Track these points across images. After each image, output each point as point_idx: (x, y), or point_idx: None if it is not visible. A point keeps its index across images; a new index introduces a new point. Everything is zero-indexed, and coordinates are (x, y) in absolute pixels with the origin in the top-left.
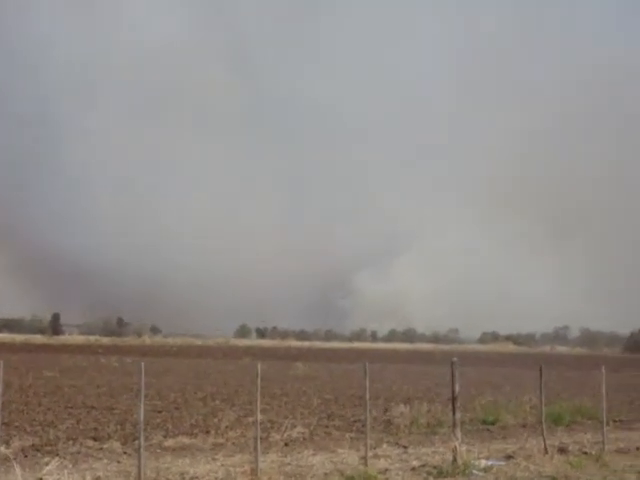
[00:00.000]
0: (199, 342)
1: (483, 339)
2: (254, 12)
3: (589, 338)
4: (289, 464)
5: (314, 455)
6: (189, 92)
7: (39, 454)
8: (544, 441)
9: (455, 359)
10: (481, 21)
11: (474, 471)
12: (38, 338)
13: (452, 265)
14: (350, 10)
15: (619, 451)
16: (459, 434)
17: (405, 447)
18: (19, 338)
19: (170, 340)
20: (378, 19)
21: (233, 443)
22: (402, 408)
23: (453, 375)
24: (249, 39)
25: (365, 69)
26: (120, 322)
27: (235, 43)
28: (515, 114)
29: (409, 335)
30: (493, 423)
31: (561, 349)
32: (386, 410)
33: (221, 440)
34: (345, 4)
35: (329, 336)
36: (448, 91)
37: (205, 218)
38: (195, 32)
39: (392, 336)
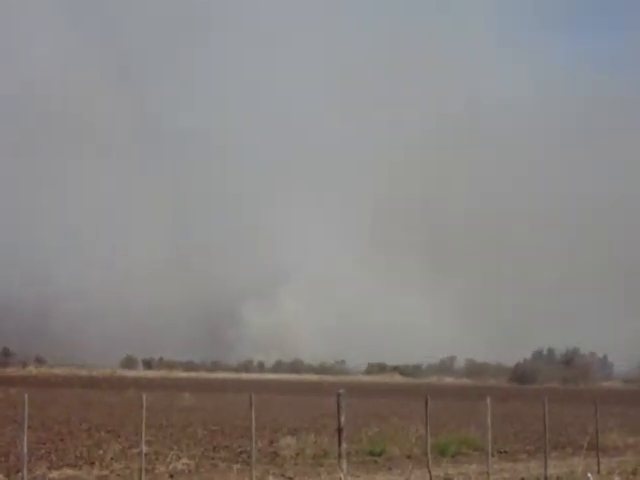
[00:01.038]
0: (84, 372)
1: (370, 370)
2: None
3: (475, 369)
4: None
5: None
6: (71, 116)
7: None
8: (429, 472)
9: (342, 390)
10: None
11: None
12: None
13: (337, 296)
14: (227, 41)
15: None
16: (345, 465)
17: (291, 478)
18: None
19: (56, 370)
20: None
21: (118, 475)
22: (288, 439)
23: (339, 406)
24: (131, 61)
25: (243, 97)
26: (5, 352)
27: (117, 67)
28: (397, 145)
29: (296, 366)
30: (379, 454)
31: (447, 380)
32: (272, 441)
33: (106, 472)
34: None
35: (216, 367)
36: (330, 118)
37: (91, 247)
38: (75, 56)
39: (279, 367)
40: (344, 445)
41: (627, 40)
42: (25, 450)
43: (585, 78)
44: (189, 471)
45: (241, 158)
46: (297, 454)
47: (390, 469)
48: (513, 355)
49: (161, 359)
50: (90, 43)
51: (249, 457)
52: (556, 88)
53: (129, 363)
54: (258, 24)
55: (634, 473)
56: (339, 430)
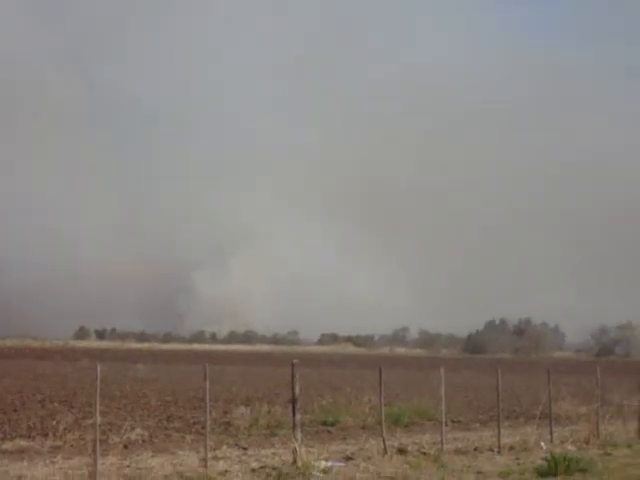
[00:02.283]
0: (36, 344)
1: (323, 340)
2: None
3: (428, 339)
4: (128, 467)
5: (153, 457)
6: (25, 96)
7: None
8: (384, 442)
9: (295, 361)
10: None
11: (314, 472)
12: None
13: (289, 267)
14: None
15: (457, 451)
16: (299, 435)
17: (245, 449)
18: None
19: (7, 342)
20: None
21: (72, 446)
22: (242, 410)
23: (293, 376)
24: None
25: (196, 74)
26: None
27: (70, 49)
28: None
29: (249, 337)
30: (333, 424)
31: (400, 350)
32: (226, 412)
33: (59, 443)
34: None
35: (169, 338)
36: (281, 98)
37: (43, 217)
38: (28, 36)
39: (232, 338)
40: (298, 415)
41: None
42: None
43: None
44: (143, 441)
45: (199, 131)
46: (251, 425)
47: (344, 439)
48: (466, 325)
49: (114, 330)
50: (39, 25)
51: (203, 427)
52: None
53: (82, 334)
54: (210, 8)
55: (586, 442)
56: (293, 400)
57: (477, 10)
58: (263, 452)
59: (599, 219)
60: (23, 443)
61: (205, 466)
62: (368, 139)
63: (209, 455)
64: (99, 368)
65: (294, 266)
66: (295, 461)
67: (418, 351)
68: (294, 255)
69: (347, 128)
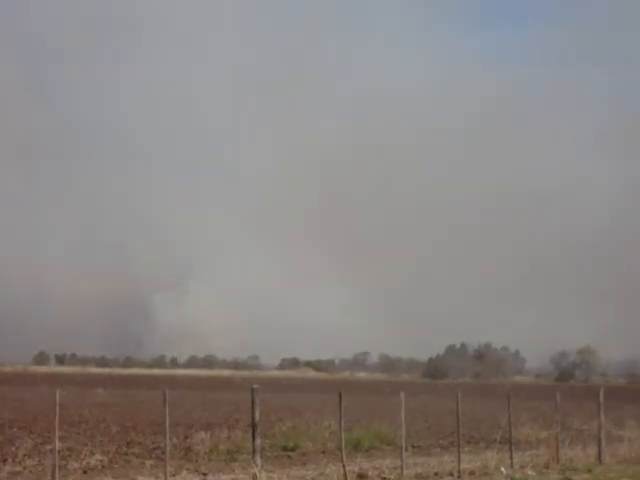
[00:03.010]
0: None
1: (283, 365)
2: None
3: (388, 364)
4: None
5: None
6: None
7: None
8: (344, 467)
9: (255, 386)
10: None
11: None
12: None
13: (248, 292)
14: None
15: (418, 476)
16: (259, 460)
17: (205, 474)
18: None
19: None
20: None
21: (30, 471)
22: (202, 435)
23: (253, 401)
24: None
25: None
26: None
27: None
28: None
29: (209, 361)
30: (293, 449)
31: (361, 375)
32: (186, 437)
33: (18, 468)
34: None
35: (129, 363)
36: (245, 117)
37: (4, 242)
38: None
39: (192, 362)
40: (258, 440)
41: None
42: None
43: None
44: (103, 467)
45: (160, 156)
46: (211, 450)
47: (304, 464)
48: (426, 350)
49: (74, 355)
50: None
51: (163, 453)
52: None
53: (41, 359)
54: (174, 25)
55: (546, 467)
56: (253, 425)
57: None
58: (223, 477)
59: (558, 244)
60: None
61: None
62: (324, 157)
63: None
64: (58, 393)
65: (253, 290)
66: None
67: (379, 375)
68: (253, 279)
69: (302, 147)
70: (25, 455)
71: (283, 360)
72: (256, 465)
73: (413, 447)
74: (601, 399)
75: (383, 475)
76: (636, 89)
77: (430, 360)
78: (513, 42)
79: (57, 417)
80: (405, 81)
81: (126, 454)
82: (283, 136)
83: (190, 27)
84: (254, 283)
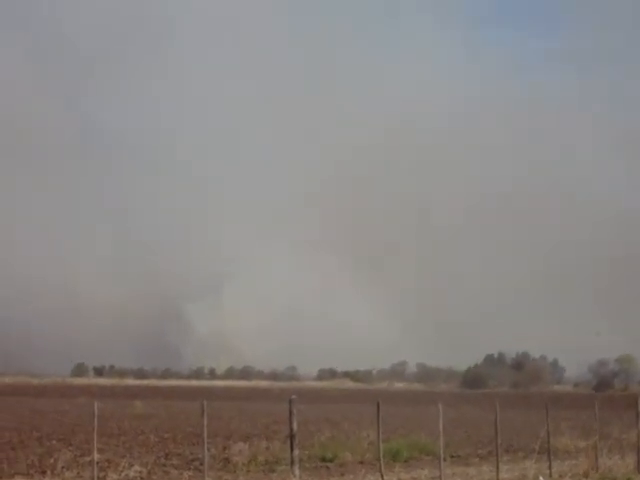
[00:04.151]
0: (35, 381)
1: (321, 376)
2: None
3: (426, 374)
4: None
5: None
6: (12, 126)
7: None
8: (382, 477)
9: (293, 396)
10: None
11: None
12: None
13: (285, 302)
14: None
15: None
16: (297, 471)
17: None
18: None
19: (5, 379)
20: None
21: None
22: (241, 446)
23: (291, 412)
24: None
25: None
26: None
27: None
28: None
29: (247, 372)
30: (331, 460)
31: (399, 385)
32: (224, 448)
33: None
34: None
35: (167, 374)
36: (266, 120)
37: (32, 254)
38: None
39: (230, 374)
40: (296, 451)
41: None
42: None
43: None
44: (141, 478)
45: (187, 162)
46: (249, 461)
47: (342, 475)
48: (464, 360)
49: (112, 367)
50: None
51: (201, 464)
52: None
53: (80, 371)
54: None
55: (586, 476)
56: (291, 436)
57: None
58: None
59: (596, 252)
60: None
61: None
62: (353, 170)
63: None
64: (96, 405)
65: (287, 300)
66: None
67: (416, 385)
68: (286, 289)
69: (330, 161)
70: (64, 467)
71: (320, 371)
72: (294, 476)
73: (451, 457)
74: (639, 407)
75: None
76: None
77: (468, 370)
78: (519, 42)
79: (95, 429)
80: (420, 86)
81: (164, 465)
82: (313, 145)
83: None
84: (288, 293)
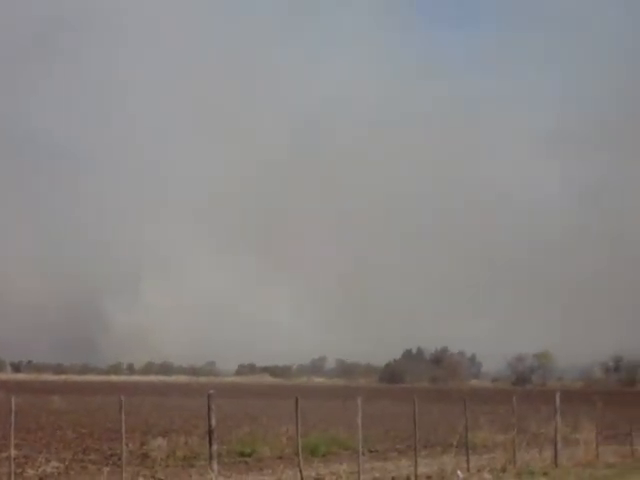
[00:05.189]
0: None
1: (240, 371)
2: None
3: (345, 369)
4: None
5: None
6: None
7: None
8: (300, 472)
9: (212, 391)
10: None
11: None
12: None
13: (204, 298)
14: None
15: None
16: (216, 466)
17: None
18: None
19: None
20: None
21: None
22: (159, 441)
23: (210, 407)
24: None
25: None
26: None
27: None
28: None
29: (166, 368)
30: (250, 455)
31: (318, 380)
32: (143, 443)
33: None
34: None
35: (85, 369)
36: (186, 120)
37: None
38: None
39: (149, 369)
40: (215, 446)
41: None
42: None
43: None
44: (59, 474)
45: (103, 164)
46: (168, 456)
47: (261, 469)
48: (383, 355)
49: (30, 362)
50: None
51: (119, 459)
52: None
53: None
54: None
55: (503, 470)
56: (209, 431)
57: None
58: None
59: (514, 249)
60: None
61: None
62: (273, 170)
63: None
64: (14, 400)
65: (209, 297)
66: None
67: (336, 380)
68: (209, 286)
69: (250, 162)
70: None
71: (240, 366)
72: (213, 471)
73: (370, 452)
74: (557, 403)
75: None
76: (586, 90)
77: (387, 365)
78: (459, 44)
79: (12, 424)
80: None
81: (82, 461)
82: (231, 149)
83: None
84: (207, 289)
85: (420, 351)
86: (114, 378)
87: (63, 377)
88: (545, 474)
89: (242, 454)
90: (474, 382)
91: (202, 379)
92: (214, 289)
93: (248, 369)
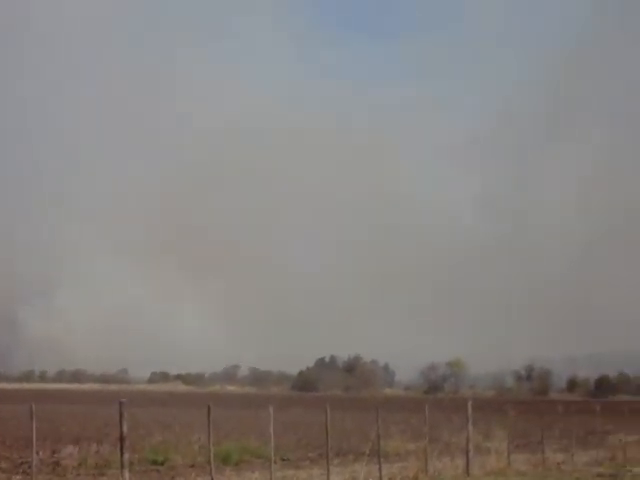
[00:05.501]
0: None
1: (153, 379)
2: None
3: (258, 377)
4: None
5: None
6: None
7: None
8: None
9: (123, 399)
10: None
11: None
12: None
13: (117, 305)
14: None
15: None
16: (127, 475)
17: None
18: None
19: None
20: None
21: None
22: (70, 449)
23: (121, 415)
24: None
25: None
26: None
27: None
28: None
29: (78, 376)
30: (162, 463)
31: (231, 388)
32: (54, 452)
33: None
34: None
35: None
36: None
37: None
38: None
39: (61, 377)
40: (126, 455)
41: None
42: None
43: None
44: None
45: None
46: (79, 464)
47: (173, 478)
48: (296, 363)
49: None
50: None
51: (30, 467)
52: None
53: None
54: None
55: (415, 478)
56: (121, 439)
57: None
58: None
59: (425, 259)
60: None
61: None
62: (190, 174)
63: None
64: None
65: (122, 304)
66: None
67: (248, 389)
68: (122, 293)
69: (171, 163)
70: None
71: (153, 374)
72: (124, 479)
73: (282, 460)
74: (469, 411)
75: None
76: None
77: (300, 373)
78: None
79: None
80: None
81: None
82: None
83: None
84: (120, 298)
85: (333, 359)
86: (26, 386)
87: None
88: None
89: (154, 462)
90: (387, 391)
91: (114, 387)
92: (127, 297)
93: (161, 377)
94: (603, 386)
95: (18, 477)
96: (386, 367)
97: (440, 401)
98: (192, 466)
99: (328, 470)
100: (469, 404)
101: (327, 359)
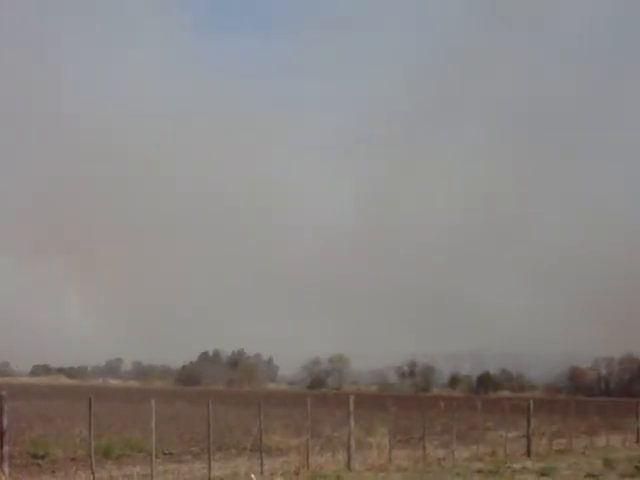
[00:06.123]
0: None
1: (35, 372)
2: None
3: (141, 371)
4: None
5: None
6: None
7: None
8: (93, 474)
9: (3, 392)
10: None
11: None
12: None
13: None
14: None
15: None
16: (7, 469)
17: None
18: None
19: None
20: None
21: None
22: None
23: (1, 408)
24: None
25: None
26: None
27: None
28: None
29: None
30: (43, 457)
31: (114, 382)
32: None
33: None
34: None
35: None
36: None
37: None
38: None
39: None
40: (6, 448)
41: None
42: None
43: None
44: None
45: None
46: None
47: (54, 472)
48: (180, 357)
49: None
50: None
51: None
52: None
53: None
54: None
55: (296, 473)
56: (1, 433)
57: None
58: None
59: (308, 253)
60: None
61: None
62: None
63: None
64: None
65: (1, 296)
66: None
67: (132, 383)
68: (1, 285)
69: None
70: None
71: (35, 367)
72: (4, 474)
73: (164, 454)
74: (351, 407)
75: None
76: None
77: (183, 367)
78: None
79: None
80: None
81: None
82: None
83: None
84: (0, 291)
85: (217, 353)
86: None
87: None
88: (338, 477)
89: (35, 456)
90: (271, 385)
91: None
92: (9, 289)
93: (43, 370)
94: (485, 383)
95: None
96: (270, 362)
97: (323, 396)
98: (73, 459)
99: (209, 464)
100: (351, 399)
101: (211, 353)
